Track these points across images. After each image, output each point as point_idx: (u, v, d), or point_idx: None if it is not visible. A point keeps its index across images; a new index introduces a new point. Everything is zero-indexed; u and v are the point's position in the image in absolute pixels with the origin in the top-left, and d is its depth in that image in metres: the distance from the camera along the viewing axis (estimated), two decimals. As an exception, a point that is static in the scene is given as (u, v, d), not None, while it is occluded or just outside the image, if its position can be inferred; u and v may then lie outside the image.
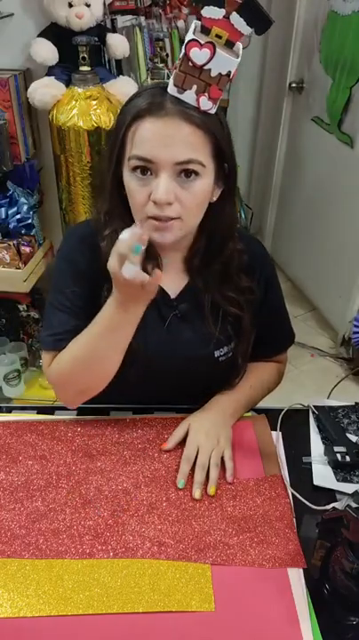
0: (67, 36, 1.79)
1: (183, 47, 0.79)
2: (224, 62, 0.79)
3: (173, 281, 1.02)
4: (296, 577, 0.79)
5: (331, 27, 2.41)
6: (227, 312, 1.02)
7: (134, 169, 0.86)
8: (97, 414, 1.06)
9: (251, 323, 1.04)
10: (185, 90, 0.81)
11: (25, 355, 2.17)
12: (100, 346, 0.93)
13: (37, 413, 1.07)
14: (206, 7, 0.76)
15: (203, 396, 1.06)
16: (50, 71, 1.88)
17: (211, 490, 0.91)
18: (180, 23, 2.26)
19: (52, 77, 1.85)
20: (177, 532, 0.84)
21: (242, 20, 0.76)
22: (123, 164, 0.89)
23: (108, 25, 1.96)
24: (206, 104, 0.82)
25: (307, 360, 2.54)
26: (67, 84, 1.85)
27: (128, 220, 0.91)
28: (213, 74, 0.79)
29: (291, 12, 2.68)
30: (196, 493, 0.90)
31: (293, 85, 2.78)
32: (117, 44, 1.91)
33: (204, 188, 0.88)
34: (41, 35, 1.85)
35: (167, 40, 2.12)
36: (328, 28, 2.44)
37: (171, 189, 0.85)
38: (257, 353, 1.11)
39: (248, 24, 0.77)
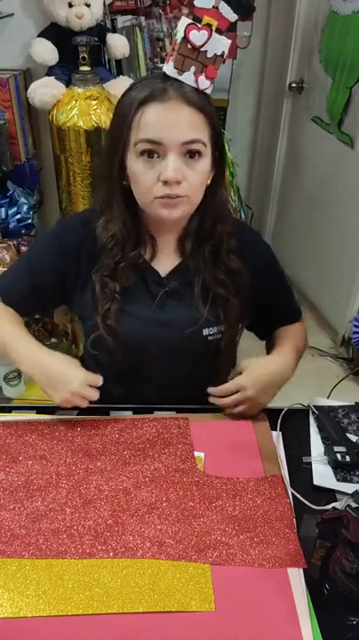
0: (67, 36, 1.79)
1: (181, 31, 0.85)
2: (218, 43, 0.87)
3: (165, 262, 1.06)
4: (296, 577, 0.79)
5: (331, 27, 2.41)
6: (217, 294, 1.05)
7: (142, 153, 0.90)
8: (97, 414, 1.06)
9: (240, 309, 1.07)
10: (184, 71, 0.88)
11: (25, 355, 2.17)
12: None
13: (37, 413, 1.07)
14: None
15: (197, 389, 1.07)
16: (50, 71, 1.88)
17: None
18: (180, 23, 2.26)
19: (52, 77, 1.85)
20: (177, 532, 0.84)
21: (228, 8, 0.85)
22: (127, 150, 0.92)
23: (108, 25, 1.96)
24: (204, 83, 0.90)
25: (307, 360, 2.52)
26: (68, 84, 1.85)
27: (126, 208, 0.98)
28: (209, 55, 0.87)
29: (291, 12, 2.68)
30: (211, 389, 1.00)
31: (293, 85, 2.78)
32: (117, 44, 1.92)
33: (206, 167, 0.95)
34: (41, 35, 1.85)
35: (167, 40, 2.12)
36: (328, 28, 2.44)
37: (179, 168, 0.90)
38: (274, 322, 1.17)
39: (234, 11, 0.86)
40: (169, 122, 0.88)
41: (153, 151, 0.89)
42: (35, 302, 1.11)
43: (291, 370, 1.07)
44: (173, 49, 0.88)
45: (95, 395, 0.98)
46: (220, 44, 0.88)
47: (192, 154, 0.91)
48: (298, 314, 1.23)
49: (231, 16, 0.86)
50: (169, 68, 0.88)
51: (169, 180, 0.89)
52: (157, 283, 1.05)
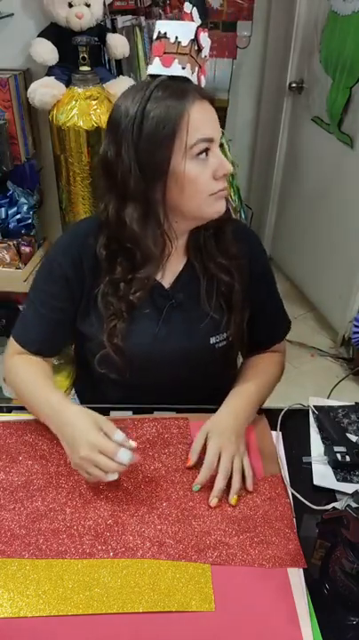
0: (67, 36, 1.79)
1: (191, 33, 0.87)
2: (208, 43, 0.92)
3: (169, 269, 1.04)
4: (296, 577, 0.79)
5: (331, 27, 2.41)
6: (221, 282, 1.03)
7: (199, 153, 0.90)
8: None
9: (242, 296, 1.04)
10: (193, 73, 0.91)
11: (25, 355, 2.17)
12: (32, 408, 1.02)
13: (37, 413, 1.07)
14: (187, 3, 0.95)
15: (203, 391, 1.07)
16: (50, 71, 1.88)
17: (234, 500, 0.88)
18: (180, 23, 2.26)
19: (52, 77, 1.85)
20: (177, 532, 0.84)
21: (197, 12, 0.91)
22: (175, 158, 0.88)
23: (108, 25, 1.96)
24: (203, 82, 0.96)
25: (307, 360, 2.54)
26: (68, 84, 1.85)
27: (161, 220, 0.94)
28: (203, 55, 0.92)
29: (291, 12, 2.68)
30: (214, 501, 0.88)
31: (293, 85, 2.78)
32: (117, 44, 1.92)
33: None
34: (41, 35, 1.85)
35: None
36: (328, 28, 2.44)
37: None
38: (255, 343, 1.13)
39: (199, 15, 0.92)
40: (211, 118, 0.91)
41: (207, 149, 0.90)
42: (59, 340, 1.08)
43: (252, 407, 1.02)
44: (166, 52, 0.88)
45: (111, 466, 0.84)
46: (209, 44, 0.92)
47: (220, 145, 0.94)
48: (283, 329, 1.19)
49: (197, 20, 0.90)
50: (183, 71, 0.88)
51: (228, 172, 0.92)
52: (163, 295, 1.03)
